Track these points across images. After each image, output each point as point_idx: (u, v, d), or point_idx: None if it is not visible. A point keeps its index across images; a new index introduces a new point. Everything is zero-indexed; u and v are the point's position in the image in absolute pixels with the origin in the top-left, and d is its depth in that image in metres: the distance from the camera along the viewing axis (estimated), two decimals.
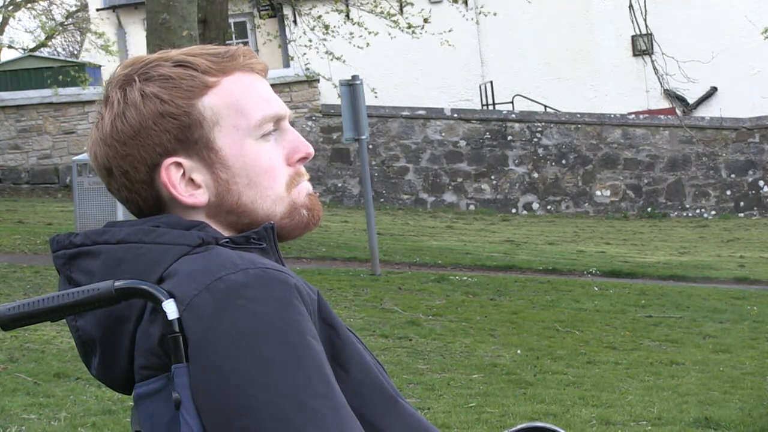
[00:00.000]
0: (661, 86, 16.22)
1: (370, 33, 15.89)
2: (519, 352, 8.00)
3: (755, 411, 6.45)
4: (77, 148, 18.66)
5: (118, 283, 1.41)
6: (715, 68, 21.56)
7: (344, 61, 15.88)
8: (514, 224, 18.32)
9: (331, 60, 15.81)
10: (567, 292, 10.91)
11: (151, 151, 1.51)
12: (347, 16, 16.90)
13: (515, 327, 8.99)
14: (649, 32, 15.65)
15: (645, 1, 14.74)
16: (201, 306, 1.38)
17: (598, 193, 19.71)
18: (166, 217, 1.52)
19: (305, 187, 1.58)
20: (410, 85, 23.50)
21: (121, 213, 11.12)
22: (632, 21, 15.00)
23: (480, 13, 18.31)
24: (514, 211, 19.60)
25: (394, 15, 15.81)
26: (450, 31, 18.32)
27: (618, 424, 5.97)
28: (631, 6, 15.01)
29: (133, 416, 1.56)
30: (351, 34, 16.43)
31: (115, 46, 22.29)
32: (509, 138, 19.72)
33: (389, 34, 16.32)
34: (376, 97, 17.52)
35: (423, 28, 15.78)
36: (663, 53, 14.84)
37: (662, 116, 20.95)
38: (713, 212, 19.58)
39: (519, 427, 1.67)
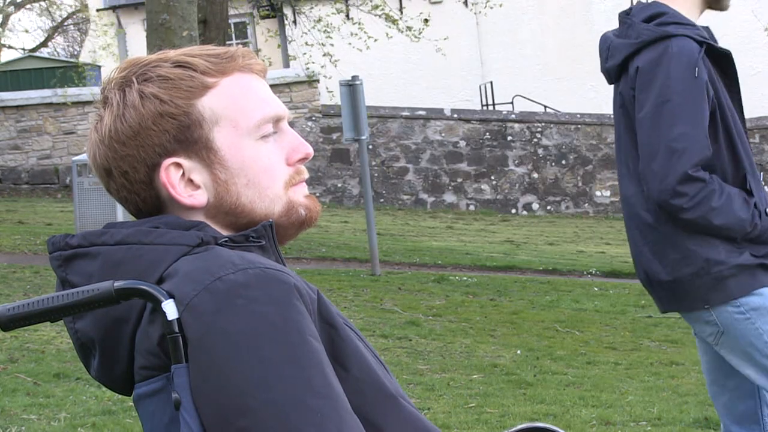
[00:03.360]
0: None
1: (369, 37, 15.88)
2: (519, 352, 8.00)
3: None
4: (77, 149, 18.66)
5: (117, 284, 1.42)
6: None
7: (336, 64, 15.88)
8: (514, 224, 18.32)
9: (330, 62, 15.83)
10: (567, 292, 10.91)
11: (150, 152, 1.51)
12: (347, 16, 16.93)
13: (515, 327, 8.99)
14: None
15: None
16: (200, 306, 1.38)
17: (598, 193, 19.71)
18: (165, 217, 1.52)
19: (303, 187, 1.59)
20: (410, 86, 23.51)
21: (120, 213, 11.11)
22: None
23: (485, 6, 18.20)
24: (514, 211, 19.60)
25: (395, 20, 15.82)
26: (446, 39, 18.32)
27: (618, 425, 5.97)
28: None
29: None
30: (352, 34, 16.44)
31: (115, 46, 22.26)
32: (509, 138, 19.72)
33: (388, 35, 16.33)
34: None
35: (422, 32, 15.78)
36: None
37: None
38: None
39: (519, 427, 1.67)
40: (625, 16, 3.35)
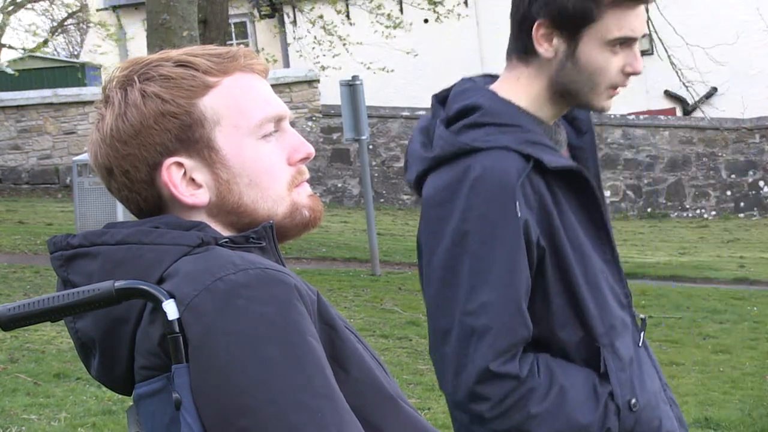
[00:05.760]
0: (680, 79, 16.16)
1: (375, 32, 15.91)
2: None
3: (755, 411, 6.45)
4: (77, 149, 18.66)
5: (118, 283, 1.41)
6: (715, 68, 21.58)
7: (326, 69, 15.89)
8: None
9: (323, 69, 15.89)
10: None
11: (152, 151, 1.51)
12: (347, 16, 16.93)
13: None
14: (671, 24, 15.68)
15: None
16: (201, 306, 1.38)
17: None
18: (165, 217, 1.52)
19: (306, 188, 1.59)
20: (410, 85, 23.51)
21: (121, 213, 11.11)
22: (648, 19, 15.05)
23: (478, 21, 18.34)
24: None
25: (396, 24, 15.85)
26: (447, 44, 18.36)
27: None
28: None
29: (130, 417, 1.56)
30: (349, 36, 16.45)
31: (118, 40, 22.26)
32: None
33: (385, 35, 16.35)
34: (392, 71, 17.50)
35: (430, 24, 15.79)
36: (687, 44, 14.90)
37: (662, 116, 20.94)
38: (713, 212, 19.57)
39: None
40: (436, 103, 2.24)
